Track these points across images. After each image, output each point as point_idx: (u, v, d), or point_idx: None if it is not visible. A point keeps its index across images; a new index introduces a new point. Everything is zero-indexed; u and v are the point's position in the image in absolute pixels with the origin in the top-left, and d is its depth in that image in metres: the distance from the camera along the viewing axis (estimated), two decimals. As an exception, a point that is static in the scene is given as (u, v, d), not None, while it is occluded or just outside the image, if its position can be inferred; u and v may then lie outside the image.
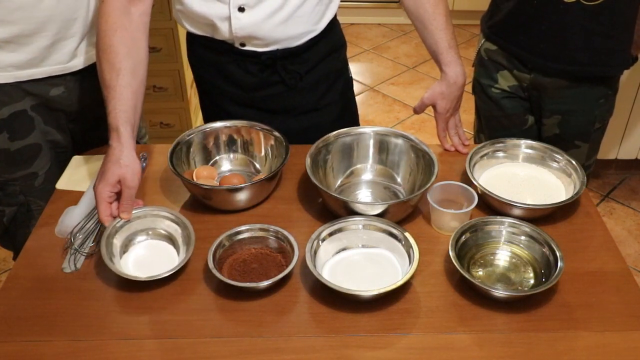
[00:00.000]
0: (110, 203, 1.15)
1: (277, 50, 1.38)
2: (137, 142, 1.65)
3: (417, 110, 1.48)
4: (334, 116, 1.52)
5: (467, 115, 1.94)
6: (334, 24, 1.47)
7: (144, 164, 1.39)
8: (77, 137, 1.55)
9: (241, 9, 1.30)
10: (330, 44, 1.47)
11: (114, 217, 1.15)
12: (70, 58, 1.41)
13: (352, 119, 1.63)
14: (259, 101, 1.46)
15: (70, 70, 1.42)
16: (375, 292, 1.03)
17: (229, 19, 1.31)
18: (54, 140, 1.48)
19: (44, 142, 1.46)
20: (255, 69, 1.41)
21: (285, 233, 1.15)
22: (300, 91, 1.46)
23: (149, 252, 1.16)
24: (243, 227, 1.16)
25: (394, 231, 1.15)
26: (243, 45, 1.37)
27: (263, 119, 1.40)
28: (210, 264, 1.08)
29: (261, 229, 1.16)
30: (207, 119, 1.57)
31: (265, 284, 1.06)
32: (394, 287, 1.03)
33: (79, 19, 1.38)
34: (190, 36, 1.45)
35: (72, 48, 1.40)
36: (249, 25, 1.32)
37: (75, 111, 1.49)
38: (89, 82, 1.47)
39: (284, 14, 1.32)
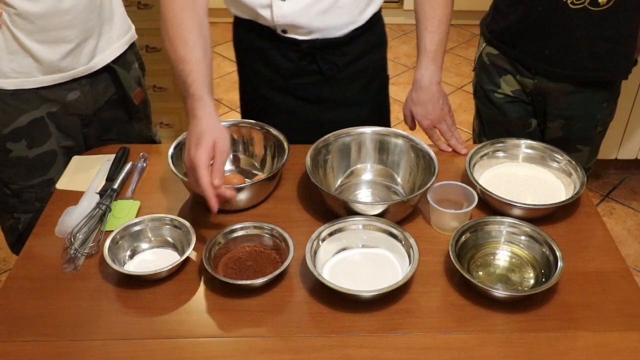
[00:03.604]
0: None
1: (318, 40, 1.39)
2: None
3: (409, 125, 1.50)
4: (367, 113, 1.53)
5: (468, 115, 1.94)
6: (378, 19, 1.48)
7: (144, 164, 1.39)
8: (90, 140, 1.55)
9: None
10: (372, 39, 1.47)
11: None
12: (90, 59, 1.42)
13: (385, 119, 1.64)
14: (296, 89, 1.47)
15: (91, 70, 1.44)
16: (375, 292, 1.03)
17: (270, 6, 1.33)
18: (68, 145, 1.49)
19: (58, 148, 1.46)
20: (295, 56, 1.42)
21: (280, 230, 1.15)
22: (337, 83, 1.47)
23: (152, 259, 1.16)
24: (237, 226, 1.16)
25: (394, 231, 1.15)
26: (285, 32, 1.38)
27: (298, 107, 1.42)
28: (205, 261, 1.08)
29: (255, 227, 1.17)
30: (245, 103, 1.59)
31: (260, 281, 1.06)
32: (394, 287, 1.03)
33: (93, 19, 1.38)
34: (236, 20, 1.47)
35: (92, 48, 1.41)
36: (290, 13, 1.33)
37: (90, 114, 1.50)
38: (102, 83, 1.48)
39: (325, 3, 1.33)
